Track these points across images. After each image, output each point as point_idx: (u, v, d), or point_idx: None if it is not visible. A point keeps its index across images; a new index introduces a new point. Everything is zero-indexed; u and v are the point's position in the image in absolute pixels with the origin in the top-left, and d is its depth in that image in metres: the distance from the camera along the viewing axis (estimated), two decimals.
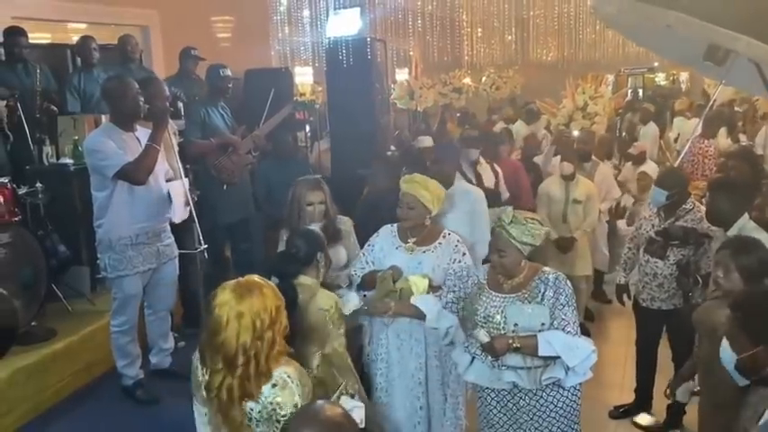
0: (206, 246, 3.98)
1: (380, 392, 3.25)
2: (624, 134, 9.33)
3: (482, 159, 5.03)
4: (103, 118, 5.04)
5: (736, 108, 9.02)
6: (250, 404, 2.02)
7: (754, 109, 8.66)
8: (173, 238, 4.12)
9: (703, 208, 3.73)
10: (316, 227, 3.36)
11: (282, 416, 2.02)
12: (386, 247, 3.24)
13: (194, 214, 3.98)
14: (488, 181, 4.97)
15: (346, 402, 2.26)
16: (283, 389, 2.02)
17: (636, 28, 4.37)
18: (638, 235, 4.00)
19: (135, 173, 3.72)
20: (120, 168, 3.68)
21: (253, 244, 5.75)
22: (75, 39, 6.47)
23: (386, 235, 3.31)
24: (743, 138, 7.78)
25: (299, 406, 2.03)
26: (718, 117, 7.15)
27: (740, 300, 2.34)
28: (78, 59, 5.83)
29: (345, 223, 3.65)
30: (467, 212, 3.83)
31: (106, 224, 3.82)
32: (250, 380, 2.00)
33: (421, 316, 2.98)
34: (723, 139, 7.30)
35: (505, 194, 5.08)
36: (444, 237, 3.22)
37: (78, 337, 4.35)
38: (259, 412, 2.02)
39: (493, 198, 4.86)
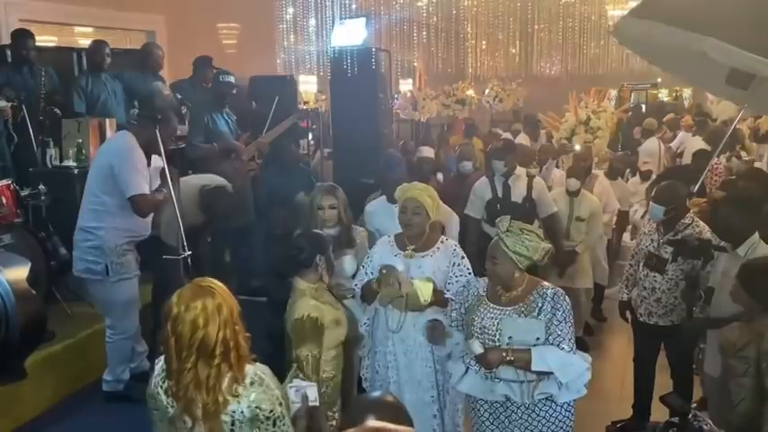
0: (190, 252, 3.99)
1: None
2: (627, 151, 9.34)
3: (520, 172, 4.89)
4: (108, 122, 5.08)
5: (737, 126, 9.02)
6: (232, 406, 2.03)
7: (756, 128, 8.67)
8: None
9: (702, 224, 3.75)
10: (331, 232, 3.39)
11: (268, 411, 2.05)
12: (384, 256, 3.25)
13: (179, 220, 3.98)
14: (517, 196, 4.80)
15: (299, 383, 2.32)
16: (261, 385, 2.07)
17: (655, 49, 4.31)
18: (638, 251, 3.99)
19: (144, 208, 3.86)
20: (139, 195, 3.77)
21: (253, 250, 5.75)
22: (81, 42, 6.51)
23: (383, 245, 3.33)
24: (744, 155, 7.79)
25: (280, 399, 2.09)
26: (723, 134, 7.17)
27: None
28: (84, 62, 5.85)
29: (360, 234, 3.67)
30: None
31: (113, 230, 3.85)
32: (231, 367, 2.03)
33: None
34: (722, 157, 7.32)
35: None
36: (442, 242, 3.25)
37: (76, 340, 4.36)
38: (242, 413, 2.04)
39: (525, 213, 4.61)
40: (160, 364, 2.17)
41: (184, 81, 6.27)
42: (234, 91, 5.78)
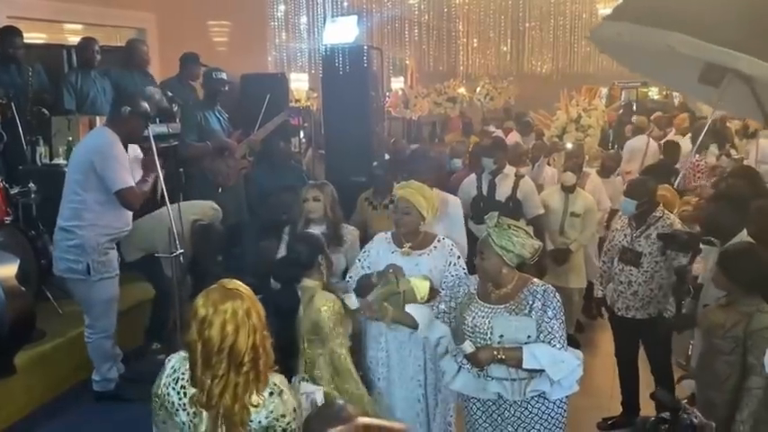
0: (182, 250, 3.96)
1: (381, 396, 3.25)
2: (616, 147, 9.39)
3: (509, 172, 4.92)
4: (98, 119, 5.05)
5: (727, 124, 9.10)
6: (251, 416, 1.98)
7: (745, 125, 8.74)
8: None
9: (673, 216, 3.86)
10: (318, 230, 3.40)
11: (285, 423, 1.99)
12: (381, 252, 3.26)
13: (171, 216, 3.98)
14: (501, 195, 4.81)
15: (306, 387, 2.30)
16: (280, 396, 2.01)
17: (630, 53, 4.40)
18: (611, 247, 4.05)
19: (133, 201, 3.84)
20: (126, 189, 3.74)
21: (245, 248, 5.75)
22: (70, 39, 6.46)
23: (380, 241, 3.33)
24: (734, 153, 7.85)
25: (297, 411, 2.03)
26: (707, 131, 7.24)
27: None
28: (74, 59, 5.82)
29: (351, 233, 3.68)
30: (443, 219, 3.78)
31: (95, 227, 3.82)
32: (258, 374, 1.97)
33: (414, 325, 2.96)
34: (712, 156, 7.39)
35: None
36: (439, 241, 3.26)
37: (66, 338, 4.33)
38: (259, 422, 1.98)
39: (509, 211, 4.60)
40: (171, 363, 2.10)
41: (172, 79, 6.25)
42: (226, 88, 5.77)
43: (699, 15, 2.76)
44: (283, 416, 1.99)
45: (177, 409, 2.04)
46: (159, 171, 3.89)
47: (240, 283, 2.06)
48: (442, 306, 2.94)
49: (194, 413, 2.02)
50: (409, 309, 2.99)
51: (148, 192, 3.98)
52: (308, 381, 2.63)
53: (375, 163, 5.65)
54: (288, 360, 2.75)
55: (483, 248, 2.75)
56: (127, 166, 3.81)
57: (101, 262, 3.84)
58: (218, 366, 1.93)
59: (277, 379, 2.05)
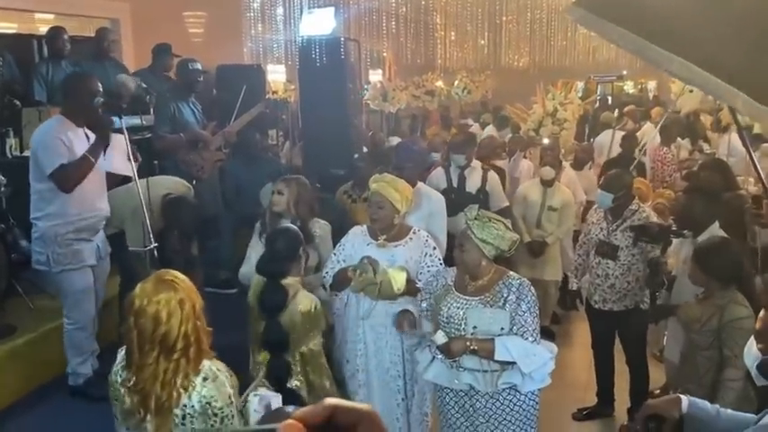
0: (156, 244, 3.89)
1: (361, 388, 3.26)
2: (592, 140, 9.47)
3: (476, 165, 4.97)
4: None
5: (701, 118, 9.23)
6: (183, 400, 2.04)
7: (718, 119, 8.88)
8: (104, 235, 4.10)
9: (648, 209, 3.92)
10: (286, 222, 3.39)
11: (218, 408, 2.05)
12: (357, 245, 3.26)
13: (144, 209, 3.91)
14: (471, 187, 4.87)
15: (265, 393, 2.31)
16: (214, 380, 2.07)
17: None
18: (587, 240, 4.09)
19: (65, 181, 3.69)
20: (56, 169, 3.65)
21: (220, 241, 5.70)
22: (41, 29, 6.34)
23: (356, 234, 3.33)
24: (705, 147, 7.96)
25: (232, 396, 2.09)
26: (675, 125, 7.34)
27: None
28: (45, 49, 5.71)
29: (322, 227, 3.66)
30: (425, 214, 3.80)
31: (50, 217, 3.76)
32: (189, 362, 2.03)
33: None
34: (684, 150, 7.50)
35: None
36: (414, 233, 3.27)
37: (38, 333, 4.27)
38: (192, 407, 2.04)
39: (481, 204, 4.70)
40: (122, 353, 2.17)
41: (144, 70, 6.17)
42: (201, 78, 5.70)
43: (642, 12, 2.78)
44: (216, 400, 2.04)
45: (124, 397, 2.12)
46: (131, 156, 3.82)
47: (177, 274, 2.11)
48: (424, 305, 2.96)
49: (137, 400, 2.09)
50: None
51: (86, 166, 3.76)
52: (263, 386, 2.59)
53: (356, 156, 5.64)
54: (281, 356, 2.73)
55: (463, 241, 2.76)
56: (58, 149, 3.66)
57: (62, 253, 3.77)
58: (150, 353, 2.01)
59: (216, 365, 2.12)
